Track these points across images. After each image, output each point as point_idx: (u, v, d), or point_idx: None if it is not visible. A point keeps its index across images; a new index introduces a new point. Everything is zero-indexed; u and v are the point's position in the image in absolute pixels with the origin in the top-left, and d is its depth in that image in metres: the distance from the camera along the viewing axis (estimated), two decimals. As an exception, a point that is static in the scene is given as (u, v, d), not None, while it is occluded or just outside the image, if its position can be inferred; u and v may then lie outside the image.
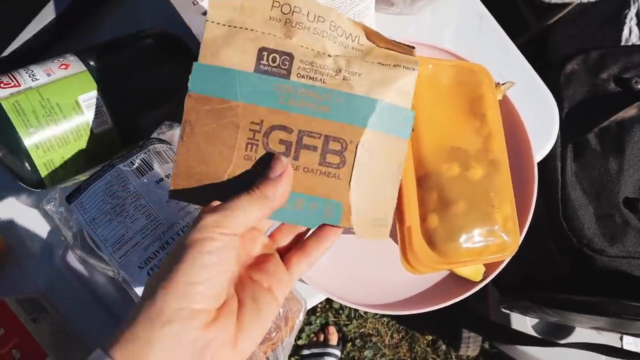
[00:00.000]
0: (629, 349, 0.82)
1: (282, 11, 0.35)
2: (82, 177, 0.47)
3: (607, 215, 0.60)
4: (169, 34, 0.50)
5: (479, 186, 0.46)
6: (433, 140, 0.46)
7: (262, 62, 0.34)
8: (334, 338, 1.28)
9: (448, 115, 0.47)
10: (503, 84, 0.51)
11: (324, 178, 0.35)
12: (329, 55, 0.35)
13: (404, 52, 0.37)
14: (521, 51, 0.58)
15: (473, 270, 0.49)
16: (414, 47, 0.37)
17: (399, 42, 0.37)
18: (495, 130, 0.48)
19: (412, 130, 0.37)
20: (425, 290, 0.51)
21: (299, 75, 0.35)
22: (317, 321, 1.30)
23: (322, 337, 1.28)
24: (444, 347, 1.29)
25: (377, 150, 0.36)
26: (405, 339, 1.31)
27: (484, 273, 0.49)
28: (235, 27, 0.34)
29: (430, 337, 1.30)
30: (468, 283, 0.49)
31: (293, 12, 0.35)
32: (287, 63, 0.35)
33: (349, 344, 1.30)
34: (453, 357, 1.29)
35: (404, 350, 1.30)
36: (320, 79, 0.35)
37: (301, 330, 1.29)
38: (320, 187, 0.35)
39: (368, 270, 0.51)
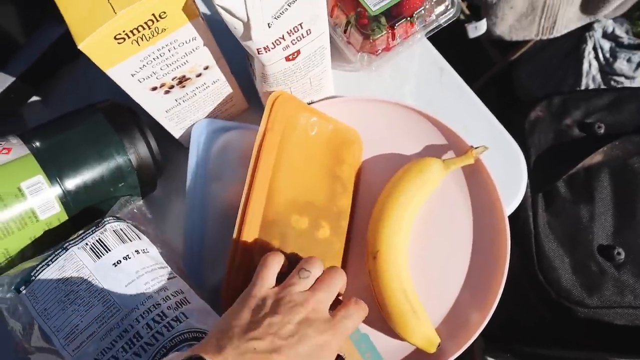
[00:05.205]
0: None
1: None
2: (32, 263, 0.44)
3: (583, 265, 0.59)
4: (118, 105, 0.48)
5: (320, 247, 0.46)
6: (291, 188, 0.46)
7: None
8: None
9: (314, 170, 0.49)
10: (476, 148, 0.50)
11: None
12: None
13: None
14: (489, 86, 0.58)
15: (426, 341, 0.46)
16: None
17: None
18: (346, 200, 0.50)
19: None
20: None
21: None
22: None
23: None
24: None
25: None
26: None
27: (439, 346, 0.47)
28: None
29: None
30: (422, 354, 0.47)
31: None
32: None
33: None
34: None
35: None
36: None
37: None
38: None
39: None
